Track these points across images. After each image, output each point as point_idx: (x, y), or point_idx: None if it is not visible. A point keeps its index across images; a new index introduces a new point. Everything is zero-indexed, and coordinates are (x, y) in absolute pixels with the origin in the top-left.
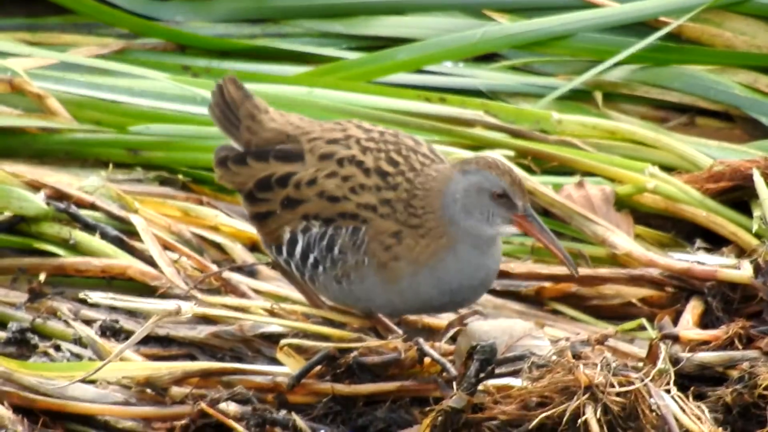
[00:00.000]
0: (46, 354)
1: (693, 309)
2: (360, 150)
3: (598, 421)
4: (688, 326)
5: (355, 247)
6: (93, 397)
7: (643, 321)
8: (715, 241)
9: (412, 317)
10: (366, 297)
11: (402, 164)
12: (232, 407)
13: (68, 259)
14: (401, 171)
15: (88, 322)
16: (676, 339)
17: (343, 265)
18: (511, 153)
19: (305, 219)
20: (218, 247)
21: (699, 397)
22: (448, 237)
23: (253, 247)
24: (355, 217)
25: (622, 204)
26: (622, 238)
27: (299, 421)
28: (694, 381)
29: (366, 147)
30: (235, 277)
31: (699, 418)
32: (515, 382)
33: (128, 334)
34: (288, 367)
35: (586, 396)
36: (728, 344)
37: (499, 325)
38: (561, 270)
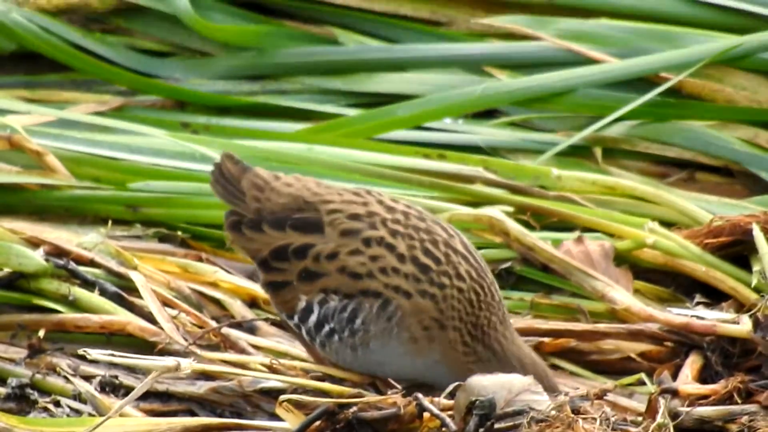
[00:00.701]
0: (45, 410)
1: (692, 363)
2: (388, 232)
3: None
4: (687, 381)
5: (384, 318)
6: None
7: (643, 376)
8: (715, 296)
9: None
10: (383, 363)
11: (443, 263)
12: None
13: (68, 315)
14: (445, 272)
15: (88, 378)
16: (675, 393)
17: (364, 335)
18: (511, 209)
19: (324, 292)
20: (217, 303)
21: None
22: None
23: (252, 303)
24: (378, 295)
25: (621, 259)
26: (621, 293)
27: None
28: None
29: (394, 230)
30: (234, 333)
31: None
32: None
33: (128, 389)
34: (288, 423)
35: None
36: (727, 398)
37: (497, 380)
38: (560, 325)
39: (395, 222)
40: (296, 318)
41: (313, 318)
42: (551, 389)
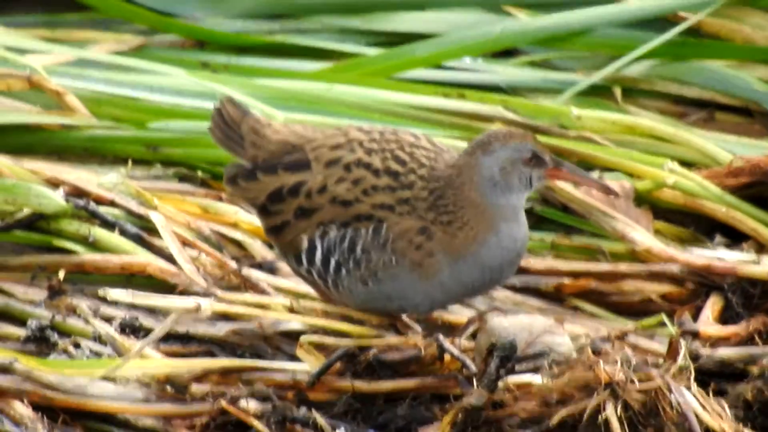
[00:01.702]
0: (65, 351)
1: (713, 305)
2: (365, 152)
3: (619, 418)
4: (708, 322)
5: (379, 245)
6: (113, 394)
7: (663, 317)
8: (735, 237)
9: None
10: (400, 296)
11: (409, 162)
12: (252, 405)
13: (87, 256)
14: (411, 169)
15: (108, 320)
16: (696, 335)
17: (367, 264)
18: None
19: (321, 225)
20: (238, 243)
21: (719, 393)
22: (488, 220)
23: (272, 244)
24: (370, 218)
25: (641, 200)
26: (641, 233)
27: (319, 419)
28: (714, 377)
29: (370, 149)
30: (255, 274)
31: (719, 415)
32: (535, 379)
33: (148, 331)
34: (308, 365)
35: (607, 393)
36: (748, 340)
37: (518, 321)
38: (581, 266)
39: (371, 141)
40: (304, 260)
41: (319, 254)
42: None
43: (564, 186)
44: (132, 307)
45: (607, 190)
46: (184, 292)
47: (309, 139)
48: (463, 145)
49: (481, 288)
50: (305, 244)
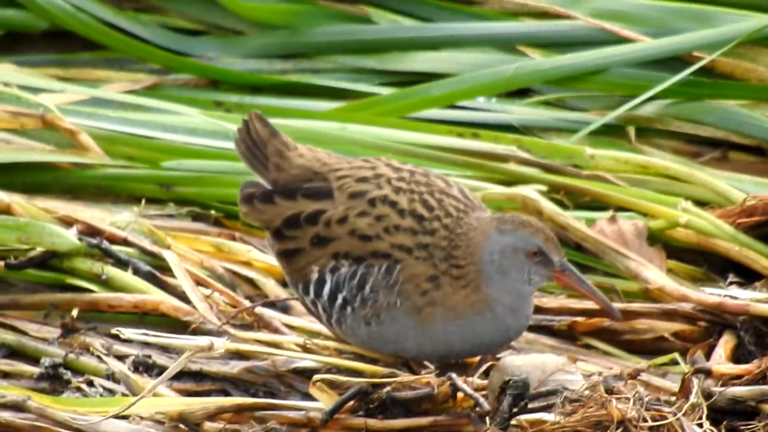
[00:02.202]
0: (79, 389)
1: (725, 343)
2: (392, 190)
3: None
4: (720, 360)
5: (388, 286)
6: None
7: (676, 355)
8: (748, 276)
9: None
10: (396, 339)
11: (436, 209)
12: None
13: (101, 294)
14: (437, 216)
15: (121, 358)
16: (708, 373)
17: (373, 304)
18: (544, 188)
19: (335, 258)
20: (251, 282)
21: (731, 431)
22: (487, 294)
23: (285, 283)
24: (387, 256)
25: (654, 239)
26: (654, 272)
27: None
28: (727, 415)
29: (398, 187)
30: (268, 313)
31: None
32: (548, 416)
33: (161, 369)
34: (321, 403)
35: (619, 431)
36: (761, 378)
37: (531, 359)
38: (594, 305)
39: (400, 180)
40: (311, 292)
41: (326, 289)
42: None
43: (578, 225)
44: (145, 345)
45: (609, 309)
46: (197, 331)
47: (334, 167)
48: (477, 184)
49: (464, 355)
50: (315, 276)
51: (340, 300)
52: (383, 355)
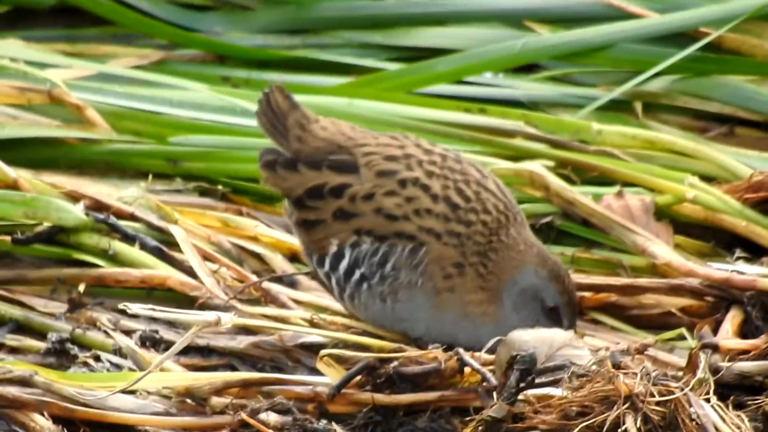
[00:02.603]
0: (85, 364)
1: (732, 318)
2: (424, 173)
3: (638, 430)
4: (727, 336)
5: (412, 266)
6: (133, 407)
7: (683, 331)
8: (755, 251)
9: None
10: (408, 318)
11: (473, 200)
12: (272, 417)
13: (108, 269)
14: (473, 208)
15: (128, 333)
16: (715, 348)
17: (393, 282)
18: (551, 163)
19: (357, 234)
20: (258, 257)
21: (738, 406)
22: (497, 309)
23: (293, 258)
24: (412, 238)
25: (661, 214)
26: (661, 248)
27: (340, 431)
28: (734, 390)
29: (430, 171)
30: (275, 288)
31: (738, 428)
32: (555, 391)
33: (168, 344)
34: (328, 377)
35: (626, 406)
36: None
37: (538, 334)
38: (601, 280)
39: (431, 163)
40: (327, 264)
41: (344, 263)
42: (555, 264)
43: (585, 201)
44: (152, 320)
45: None
46: (205, 306)
47: (359, 142)
48: (484, 159)
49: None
50: (333, 248)
51: (357, 275)
52: (390, 332)
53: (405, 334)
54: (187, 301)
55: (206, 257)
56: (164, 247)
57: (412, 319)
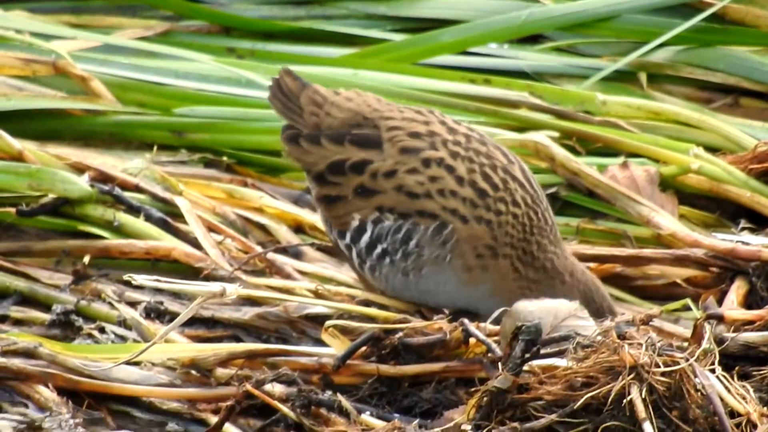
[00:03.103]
0: (90, 336)
1: (737, 289)
2: (449, 154)
3: (644, 401)
4: (732, 306)
5: (438, 243)
6: (138, 378)
7: (688, 301)
8: (760, 222)
9: None
10: (435, 290)
11: (501, 189)
12: (277, 388)
13: (113, 241)
14: (502, 198)
15: (133, 304)
16: (720, 319)
17: (417, 258)
18: (556, 134)
19: (379, 210)
20: (263, 228)
21: (744, 376)
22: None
23: (297, 229)
24: (435, 217)
25: (666, 185)
26: (666, 218)
27: (345, 402)
28: (739, 361)
29: (455, 152)
30: (280, 259)
31: (744, 398)
32: (560, 362)
33: (173, 315)
34: (333, 348)
35: (632, 376)
36: None
37: (544, 305)
38: (606, 251)
39: (456, 144)
40: (348, 237)
41: (366, 238)
42: (601, 306)
43: (590, 171)
44: (157, 291)
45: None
46: (209, 277)
47: (384, 115)
48: (489, 130)
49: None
50: (356, 223)
51: (378, 250)
52: (410, 302)
53: (426, 305)
54: (192, 273)
55: (211, 228)
56: (169, 218)
57: (437, 293)
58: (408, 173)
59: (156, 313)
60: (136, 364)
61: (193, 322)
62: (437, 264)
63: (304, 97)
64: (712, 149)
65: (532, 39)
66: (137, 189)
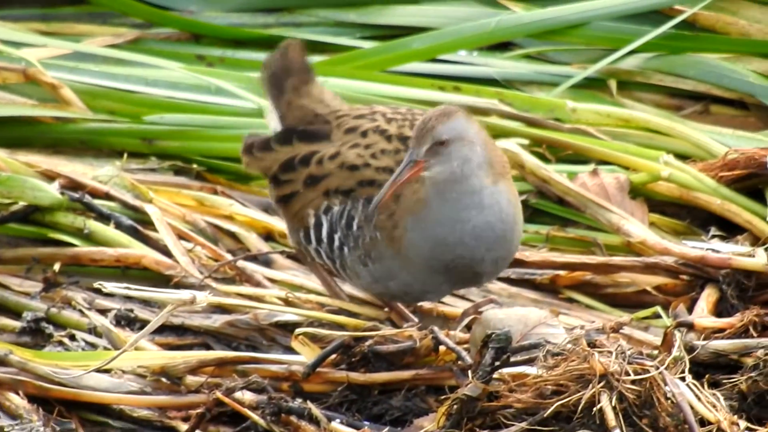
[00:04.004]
0: (60, 343)
1: (708, 297)
2: (385, 120)
3: (614, 409)
4: (702, 314)
5: (368, 221)
6: (108, 386)
7: (658, 309)
8: (730, 229)
9: (428, 305)
10: (387, 275)
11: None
12: (247, 396)
13: (83, 248)
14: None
15: (103, 312)
16: (690, 327)
17: (363, 242)
18: (526, 141)
19: (326, 195)
20: (233, 236)
21: (714, 384)
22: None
23: (267, 237)
24: (372, 182)
25: (636, 192)
26: (636, 226)
27: (314, 410)
28: (709, 369)
29: (391, 118)
30: (250, 266)
31: (714, 406)
32: (530, 370)
33: (143, 323)
34: (303, 356)
35: (602, 384)
36: (743, 332)
37: (514, 313)
38: (576, 258)
39: (395, 113)
40: (312, 239)
41: (324, 231)
42: None
43: (560, 179)
44: (127, 299)
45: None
46: (180, 284)
47: (334, 109)
48: None
49: (455, 275)
50: (312, 219)
51: (336, 242)
52: (391, 296)
53: (405, 296)
54: (162, 280)
55: (181, 236)
56: (139, 226)
57: (390, 276)
58: (349, 149)
59: (126, 321)
60: (107, 371)
61: (164, 329)
62: (374, 246)
63: (290, 81)
64: (683, 157)
65: (501, 46)
66: (107, 197)
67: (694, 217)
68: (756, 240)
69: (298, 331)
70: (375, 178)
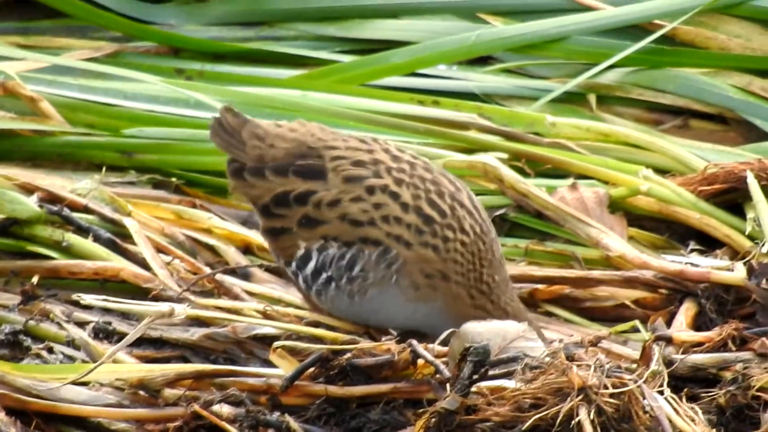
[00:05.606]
0: (38, 356)
1: (686, 311)
2: (393, 181)
3: (592, 422)
4: (681, 328)
5: (383, 267)
6: (86, 399)
7: (637, 323)
8: (709, 244)
9: None
10: (379, 309)
11: (449, 216)
12: (225, 409)
13: (61, 261)
14: (449, 225)
15: (81, 324)
16: (669, 341)
17: (362, 282)
18: (505, 156)
19: (323, 239)
20: (211, 249)
21: (692, 398)
22: None
23: (246, 250)
24: (378, 243)
25: (615, 206)
26: (615, 240)
27: (293, 423)
28: (688, 382)
29: (399, 179)
30: (229, 280)
31: (693, 420)
32: (509, 383)
33: (121, 336)
34: (281, 369)
35: (580, 397)
36: (722, 346)
37: (492, 326)
38: (555, 272)
39: (400, 171)
40: (294, 265)
41: (311, 265)
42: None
43: (539, 193)
44: (105, 311)
45: None
46: (158, 297)
47: (328, 145)
48: (437, 152)
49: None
50: (301, 252)
51: (324, 277)
52: (356, 322)
53: (371, 325)
54: (141, 293)
55: (159, 249)
56: (118, 239)
57: (381, 311)
58: (352, 202)
59: (104, 334)
60: (85, 384)
61: (142, 342)
62: (382, 285)
63: (245, 132)
64: (662, 171)
65: (481, 60)
66: (86, 210)
67: (673, 232)
68: (735, 254)
69: (276, 344)
70: (383, 241)
